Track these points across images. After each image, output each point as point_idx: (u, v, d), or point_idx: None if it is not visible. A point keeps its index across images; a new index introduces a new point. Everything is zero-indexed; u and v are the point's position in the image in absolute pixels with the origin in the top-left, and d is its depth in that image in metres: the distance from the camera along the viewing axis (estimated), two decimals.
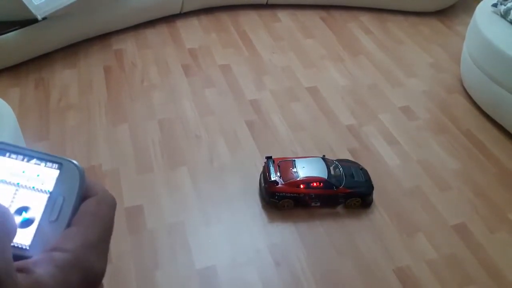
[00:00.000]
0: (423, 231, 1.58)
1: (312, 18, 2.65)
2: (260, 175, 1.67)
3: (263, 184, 1.61)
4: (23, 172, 0.32)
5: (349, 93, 2.15)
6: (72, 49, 2.24)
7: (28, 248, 0.30)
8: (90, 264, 0.30)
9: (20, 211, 0.31)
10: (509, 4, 1.95)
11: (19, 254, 0.29)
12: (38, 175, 0.32)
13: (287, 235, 1.54)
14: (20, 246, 0.30)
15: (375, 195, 1.65)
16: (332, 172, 1.58)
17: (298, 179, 1.54)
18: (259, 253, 1.48)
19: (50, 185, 0.31)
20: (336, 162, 1.64)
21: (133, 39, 2.36)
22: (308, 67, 2.29)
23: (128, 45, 2.31)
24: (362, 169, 1.67)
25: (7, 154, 0.32)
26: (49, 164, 0.32)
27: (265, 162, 1.64)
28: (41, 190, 0.31)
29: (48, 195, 0.31)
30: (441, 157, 1.87)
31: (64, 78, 2.09)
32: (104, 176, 1.66)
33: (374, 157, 1.84)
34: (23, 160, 0.32)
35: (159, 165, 1.72)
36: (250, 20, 2.58)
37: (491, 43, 1.91)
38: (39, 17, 1.89)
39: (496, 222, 1.64)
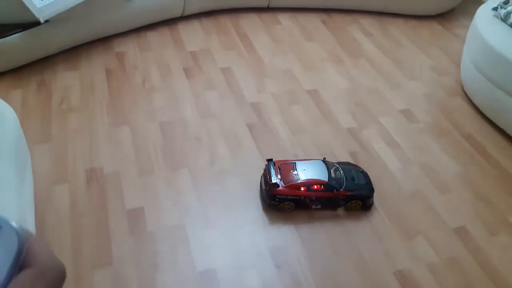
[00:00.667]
0: (424, 234, 1.58)
1: (313, 21, 2.66)
2: (261, 177, 1.67)
3: (264, 187, 1.61)
4: None
5: (350, 96, 2.16)
6: (74, 52, 2.25)
7: None
8: None
9: None
10: (509, 8, 1.96)
11: None
12: None
13: (288, 237, 1.54)
14: None
15: (376, 198, 1.66)
16: (333, 175, 1.58)
17: (298, 181, 1.55)
18: (259, 255, 1.48)
19: None
20: (337, 165, 1.64)
21: (134, 41, 2.36)
22: (309, 69, 2.29)
23: (129, 48, 2.32)
24: (363, 172, 1.67)
25: None
26: None
27: (266, 165, 1.64)
28: None
29: None
30: (442, 160, 1.87)
31: (66, 80, 2.09)
32: (106, 178, 1.67)
33: (374, 160, 1.84)
34: None
35: (160, 167, 1.73)
36: (251, 23, 2.59)
37: (491, 47, 1.92)
38: (42, 20, 1.90)
39: (496, 226, 1.64)
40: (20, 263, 0.28)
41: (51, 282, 0.28)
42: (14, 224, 0.29)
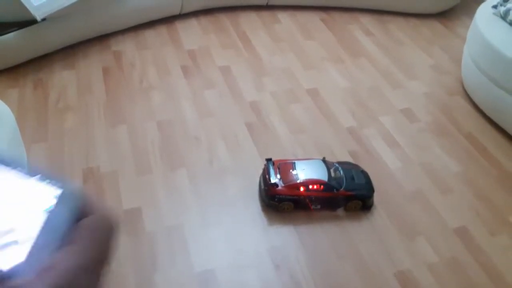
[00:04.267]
0: (424, 234, 1.57)
1: (312, 20, 2.64)
2: (260, 177, 1.65)
3: (263, 187, 1.59)
4: (23, 188, 0.31)
5: (350, 95, 2.14)
6: (71, 50, 2.23)
7: (20, 266, 0.29)
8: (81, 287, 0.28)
9: (11, 229, 0.30)
10: (508, 5, 1.95)
11: (11, 273, 0.28)
12: (37, 193, 0.31)
13: (287, 237, 1.53)
14: (13, 265, 0.29)
15: (376, 198, 1.64)
16: (333, 175, 1.57)
17: (298, 181, 1.53)
18: (258, 256, 1.46)
19: (47, 205, 0.31)
20: (337, 165, 1.63)
21: (132, 40, 2.35)
22: (308, 68, 2.28)
23: (127, 46, 2.30)
24: (363, 171, 1.66)
25: (10, 168, 0.32)
26: (49, 183, 0.32)
27: (265, 164, 1.63)
28: (39, 208, 0.31)
29: (45, 214, 0.30)
30: (442, 159, 1.86)
31: (63, 79, 2.08)
32: (103, 178, 1.65)
33: (374, 159, 1.83)
34: (25, 176, 0.32)
35: (158, 167, 1.71)
36: (250, 21, 2.57)
37: (492, 45, 1.90)
38: (38, 18, 1.88)
39: (497, 225, 1.63)
40: (79, 216, 0.31)
41: (108, 228, 0.31)
42: (72, 183, 0.32)
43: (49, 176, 0.32)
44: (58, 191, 0.31)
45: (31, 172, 0.32)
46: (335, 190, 1.55)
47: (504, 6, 1.97)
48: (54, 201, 0.31)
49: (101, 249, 0.31)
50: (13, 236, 0.29)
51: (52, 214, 0.30)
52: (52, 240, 0.30)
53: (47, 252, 0.29)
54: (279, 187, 1.53)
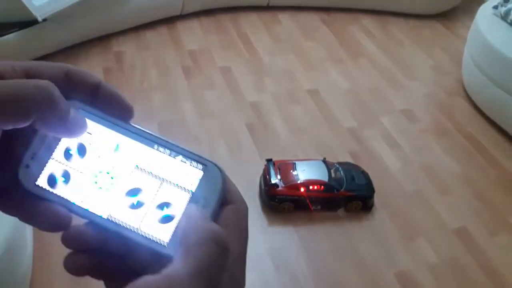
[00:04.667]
0: (424, 235, 1.57)
1: (313, 20, 2.65)
2: (260, 177, 1.66)
3: (263, 187, 1.60)
4: (169, 167, 0.31)
5: (350, 95, 2.14)
6: (72, 51, 2.23)
7: (166, 245, 0.29)
8: (239, 280, 0.28)
9: (162, 206, 0.30)
10: (509, 6, 1.95)
11: (158, 250, 0.29)
12: (182, 173, 0.31)
13: (287, 238, 1.53)
14: (159, 242, 0.29)
15: (376, 198, 1.64)
16: (333, 175, 1.57)
17: (298, 182, 1.53)
18: (259, 256, 1.47)
19: (193, 185, 0.31)
20: (337, 165, 1.63)
21: (133, 40, 2.35)
22: (309, 69, 2.28)
23: (128, 47, 2.30)
24: (363, 172, 1.66)
25: (155, 146, 0.31)
26: (194, 163, 0.31)
27: (265, 165, 1.63)
28: (184, 188, 0.30)
29: (190, 195, 0.30)
30: (442, 160, 1.86)
31: None
32: None
33: (375, 160, 1.83)
34: (170, 155, 0.31)
35: None
36: (250, 22, 2.58)
37: (492, 46, 1.91)
38: (40, 19, 1.89)
39: (497, 226, 1.63)
40: (222, 197, 0.30)
41: (246, 216, 0.31)
42: (216, 162, 0.31)
43: (192, 156, 0.31)
44: (200, 173, 0.31)
45: (174, 152, 0.31)
46: (335, 190, 1.55)
47: (505, 6, 1.97)
48: (196, 183, 0.31)
49: (246, 240, 0.30)
50: (170, 210, 0.30)
51: (194, 196, 0.30)
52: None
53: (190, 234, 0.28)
54: (280, 188, 1.54)
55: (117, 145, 0.31)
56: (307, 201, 1.55)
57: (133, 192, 0.30)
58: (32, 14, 1.86)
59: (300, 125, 1.96)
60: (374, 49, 2.46)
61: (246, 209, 0.31)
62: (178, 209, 0.30)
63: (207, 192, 0.30)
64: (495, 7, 2.02)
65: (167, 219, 0.30)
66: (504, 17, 1.97)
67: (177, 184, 0.31)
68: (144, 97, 2.02)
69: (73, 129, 0.29)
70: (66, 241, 0.30)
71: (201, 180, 0.31)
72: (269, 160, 1.62)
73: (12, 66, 0.30)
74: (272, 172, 1.57)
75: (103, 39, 2.32)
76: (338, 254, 1.50)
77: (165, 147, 0.31)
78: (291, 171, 1.57)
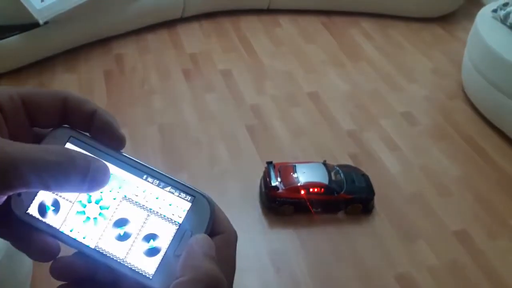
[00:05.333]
0: (424, 237, 1.57)
1: (313, 23, 2.66)
2: (261, 180, 1.66)
3: (263, 189, 1.60)
4: (157, 198, 0.31)
5: (350, 98, 2.15)
6: (73, 54, 2.24)
7: (151, 277, 0.29)
8: None
9: (148, 238, 0.30)
10: (508, 9, 1.96)
11: (142, 282, 0.29)
12: (170, 204, 0.31)
13: (288, 241, 1.53)
14: (144, 274, 0.29)
15: (376, 201, 1.65)
16: (333, 178, 1.57)
17: (298, 184, 1.54)
18: (259, 259, 1.47)
19: (180, 217, 0.30)
20: (337, 168, 1.64)
21: (133, 43, 2.36)
22: (309, 72, 2.28)
23: (128, 50, 2.31)
24: (363, 174, 1.66)
25: (144, 177, 0.31)
26: (182, 194, 0.31)
27: (265, 167, 1.64)
28: (171, 220, 0.30)
29: (177, 227, 0.30)
30: (442, 163, 1.87)
31: (65, 82, 2.09)
32: None
33: (375, 162, 1.83)
34: (158, 185, 0.31)
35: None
36: (251, 25, 2.59)
37: (492, 49, 1.91)
38: (41, 22, 1.90)
39: (497, 228, 1.63)
40: (210, 228, 0.30)
41: (234, 245, 0.31)
42: (205, 194, 0.31)
43: (180, 187, 0.31)
44: (188, 205, 0.31)
45: (163, 183, 0.31)
46: (335, 193, 1.55)
47: (504, 10, 1.98)
48: (183, 215, 0.30)
49: (232, 271, 0.30)
50: (156, 243, 0.30)
51: (181, 228, 0.30)
52: (181, 255, 0.29)
53: (176, 266, 0.28)
54: (280, 190, 1.54)
55: None
56: (307, 203, 1.56)
57: (121, 223, 0.30)
58: (34, 17, 1.87)
59: (300, 128, 1.96)
60: (374, 52, 2.47)
61: (235, 237, 0.31)
62: (164, 241, 0.30)
63: (194, 224, 0.30)
64: (495, 11, 2.03)
65: (153, 251, 0.30)
66: (503, 20, 1.97)
67: (164, 216, 0.30)
68: (144, 99, 2.03)
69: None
70: (53, 271, 0.30)
71: (188, 212, 0.31)
72: (269, 163, 1.63)
73: (10, 95, 0.30)
74: (273, 174, 1.58)
75: (104, 42, 2.33)
76: (338, 256, 1.50)
77: (154, 177, 0.31)
78: (292, 173, 1.57)
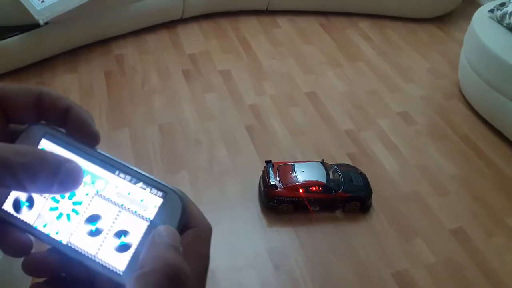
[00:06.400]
0: (421, 236, 1.59)
1: (312, 24, 2.67)
2: (260, 179, 1.68)
3: (262, 188, 1.62)
4: (128, 194, 0.31)
5: (348, 98, 2.17)
6: (73, 54, 2.26)
7: (121, 274, 0.29)
8: None
9: (119, 234, 0.30)
10: (505, 9, 1.97)
11: (112, 278, 0.29)
12: (141, 200, 0.31)
13: (286, 239, 1.55)
14: (114, 270, 0.29)
15: (374, 199, 1.66)
16: (331, 177, 1.59)
17: (297, 183, 1.55)
18: (258, 257, 1.48)
19: (151, 213, 0.30)
20: (335, 167, 1.65)
21: (133, 44, 2.37)
22: (307, 72, 2.30)
23: (128, 50, 2.33)
24: (361, 173, 1.68)
25: (116, 172, 0.31)
26: (154, 190, 0.31)
27: (264, 166, 1.65)
28: (142, 216, 0.30)
29: (148, 223, 0.30)
30: (439, 162, 1.88)
31: (65, 82, 2.10)
32: None
33: (372, 162, 1.85)
34: (130, 181, 0.31)
35: (159, 169, 1.73)
36: (250, 26, 2.60)
37: (488, 49, 1.93)
38: (41, 22, 1.91)
39: (493, 227, 1.65)
40: (182, 223, 0.30)
41: (207, 239, 0.30)
42: (176, 189, 0.31)
43: (152, 183, 0.31)
44: (159, 200, 0.30)
45: (135, 179, 0.31)
46: (333, 191, 1.57)
47: (501, 10, 2.00)
48: (154, 211, 0.30)
49: (204, 265, 0.30)
50: (127, 239, 0.30)
51: (152, 224, 0.30)
52: None
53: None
54: (279, 189, 1.56)
55: None
56: (306, 202, 1.57)
57: (93, 218, 0.30)
58: (34, 17, 1.88)
59: (299, 128, 1.98)
60: (371, 52, 2.49)
61: (209, 232, 0.31)
62: (135, 237, 0.30)
63: (165, 220, 0.30)
64: (491, 11, 2.05)
65: (124, 247, 0.29)
66: (500, 21, 1.99)
67: (135, 212, 0.30)
68: (144, 100, 2.04)
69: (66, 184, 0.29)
70: (25, 266, 0.30)
71: (160, 208, 0.30)
72: (268, 162, 1.64)
73: None
74: (271, 173, 1.59)
75: (104, 43, 2.35)
76: (336, 254, 1.52)
77: (126, 173, 0.31)
78: (290, 172, 1.59)
